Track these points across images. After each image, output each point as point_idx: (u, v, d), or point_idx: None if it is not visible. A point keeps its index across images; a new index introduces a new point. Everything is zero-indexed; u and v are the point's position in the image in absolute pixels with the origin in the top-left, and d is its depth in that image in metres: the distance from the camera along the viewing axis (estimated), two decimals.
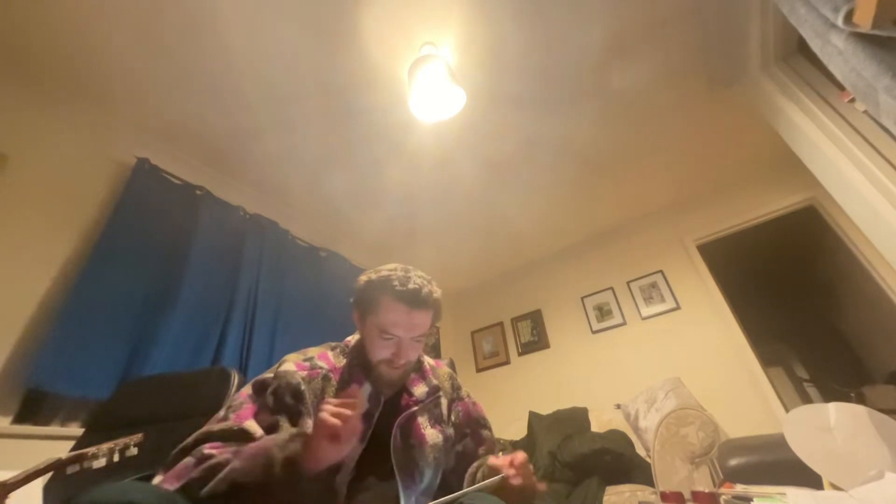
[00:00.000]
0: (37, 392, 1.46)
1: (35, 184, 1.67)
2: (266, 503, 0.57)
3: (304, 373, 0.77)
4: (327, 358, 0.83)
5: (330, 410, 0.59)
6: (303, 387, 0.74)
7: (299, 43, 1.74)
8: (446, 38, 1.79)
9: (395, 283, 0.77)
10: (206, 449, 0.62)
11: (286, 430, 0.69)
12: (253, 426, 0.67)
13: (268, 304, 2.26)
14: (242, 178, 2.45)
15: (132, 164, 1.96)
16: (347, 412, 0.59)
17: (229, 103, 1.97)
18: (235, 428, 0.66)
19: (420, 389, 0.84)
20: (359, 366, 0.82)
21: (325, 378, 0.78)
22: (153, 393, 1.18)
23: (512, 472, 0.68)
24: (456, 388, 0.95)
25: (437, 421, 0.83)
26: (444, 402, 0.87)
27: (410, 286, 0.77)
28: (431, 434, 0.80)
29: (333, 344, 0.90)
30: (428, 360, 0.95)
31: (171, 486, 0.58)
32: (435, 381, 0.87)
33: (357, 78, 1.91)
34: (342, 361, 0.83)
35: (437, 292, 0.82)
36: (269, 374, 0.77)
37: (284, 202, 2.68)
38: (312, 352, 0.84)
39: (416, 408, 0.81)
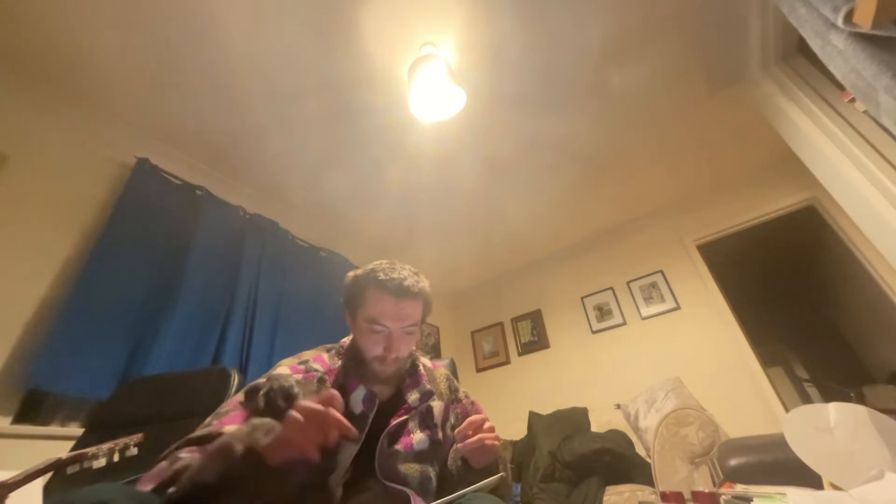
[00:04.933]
0: (37, 392, 1.47)
1: (35, 184, 1.67)
2: None
3: (299, 375, 0.76)
4: (322, 360, 0.83)
5: (302, 407, 0.56)
6: (295, 389, 0.73)
7: (299, 43, 1.74)
8: (446, 38, 1.79)
9: (380, 274, 0.79)
10: (182, 452, 0.61)
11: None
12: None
13: (268, 303, 2.26)
14: (242, 178, 2.45)
15: (132, 164, 1.96)
16: (319, 408, 0.56)
17: (229, 103, 1.97)
18: (215, 433, 0.65)
19: (413, 396, 0.84)
20: (353, 366, 0.82)
21: (321, 381, 0.78)
22: (153, 393, 1.18)
23: (481, 436, 0.74)
24: (454, 389, 0.95)
25: (426, 425, 0.83)
26: (436, 405, 0.87)
27: (395, 276, 0.79)
28: (418, 438, 0.80)
29: (329, 346, 0.90)
30: (424, 363, 0.94)
31: (145, 488, 0.57)
32: (428, 387, 0.87)
33: (357, 78, 1.91)
34: (337, 363, 0.84)
35: (425, 283, 0.83)
36: (262, 380, 0.77)
37: (284, 202, 2.68)
38: (307, 355, 0.84)
39: (406, 416, 0.81)
